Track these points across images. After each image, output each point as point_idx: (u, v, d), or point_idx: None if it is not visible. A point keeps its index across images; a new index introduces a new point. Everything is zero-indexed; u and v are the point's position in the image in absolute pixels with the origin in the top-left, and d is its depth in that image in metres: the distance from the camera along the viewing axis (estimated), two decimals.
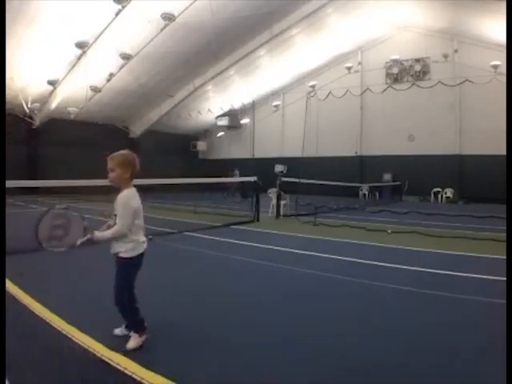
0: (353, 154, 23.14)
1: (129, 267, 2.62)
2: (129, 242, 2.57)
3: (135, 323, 2.64)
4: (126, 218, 2.51)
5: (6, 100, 16.31)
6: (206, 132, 29.67)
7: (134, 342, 2.57)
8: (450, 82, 18.95)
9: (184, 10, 14.13)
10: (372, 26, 20.38)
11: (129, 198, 2.56)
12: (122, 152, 2.63)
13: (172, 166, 23.85)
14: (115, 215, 2.54)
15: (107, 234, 2.53)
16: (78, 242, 2.51)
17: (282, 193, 11.33)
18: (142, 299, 3.72)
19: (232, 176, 23.65)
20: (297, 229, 8.64)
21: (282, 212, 11.06)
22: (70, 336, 2.69)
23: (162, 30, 14.90)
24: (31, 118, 19.69)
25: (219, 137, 28.62)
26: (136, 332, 2.62)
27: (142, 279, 4.49)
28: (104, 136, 23.17)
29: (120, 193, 2.57)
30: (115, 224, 2.54)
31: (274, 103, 25.29)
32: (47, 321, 2.97)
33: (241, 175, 22.10)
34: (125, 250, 2.57)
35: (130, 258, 2.59)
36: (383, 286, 4.11)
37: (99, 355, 2.42)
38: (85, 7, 12.89)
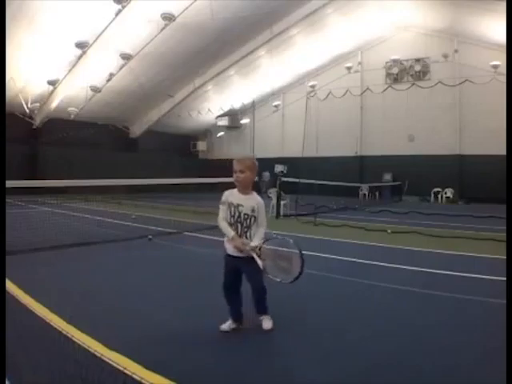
0: (353, 154, 23.14)
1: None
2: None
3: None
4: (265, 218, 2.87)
5: (6, 100, 16.31)
6: (206, 132, 29.67)
7: (271, 321, 2.94)
8: (449, 82, 18.95)
9: (184, 10, 14.14)
10: (372, 25, 20.38)
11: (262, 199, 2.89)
12: (249, 156, 2.92)
13: (172, 166, 23.86)
14: (246, 215, 2.78)
15: (259, 237, 2.78)
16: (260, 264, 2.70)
17: (282, 193, 11.32)
18: (143, 299, 3.73)
19: (260, 179, 23.28)
20: (297, 229, 8.64)
21: (282, 212, 11.06)
22: (70, 336, 2.69)
23: (162, 30, 14.91)
24: (31, 117, 19.68)
25: (219, 137, 28.62)
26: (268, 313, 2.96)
27: (142, 279, 4.51)
28: (104, 136, 23.22)
29: (248, 194, 2.84)
30: (247, 225, 2.82)
31: (274, 103, 25.28)
32: (47, 321, 2.97)
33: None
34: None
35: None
36: (383, 285, 4.11)
37: (99, 355, 2.42)
38: (85, 7, 12.90)
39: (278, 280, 2.64)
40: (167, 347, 2.65)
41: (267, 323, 2.90)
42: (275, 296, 3.90)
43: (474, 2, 15.28)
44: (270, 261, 2.69)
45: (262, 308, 2.95)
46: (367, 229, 8.44)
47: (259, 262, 2.68)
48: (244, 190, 2.83)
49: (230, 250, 2.84)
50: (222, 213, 2.86)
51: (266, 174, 20.52)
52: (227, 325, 2.91)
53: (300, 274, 2.53)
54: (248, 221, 2.80)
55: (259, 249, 2.69)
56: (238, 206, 2.79)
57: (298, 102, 24.34)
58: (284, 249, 2.67)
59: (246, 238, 2.79)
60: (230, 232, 2.77)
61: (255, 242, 2.74)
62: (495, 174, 16.45)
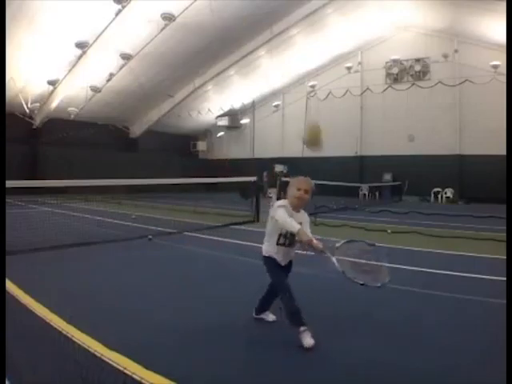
0: (353, 154, 23.13)
1: None
2: None
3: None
4: None
5: (6, 100, 16.31)
6: (206, 132, 29.67)
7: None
8: (449, 82, 18.97)
9: (184, 10, 14.14)
10: (372, 25, 20.37)
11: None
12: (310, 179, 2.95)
13: (172, 166, 23.87)
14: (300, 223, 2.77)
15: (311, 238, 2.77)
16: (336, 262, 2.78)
17: (282, 193, 11.32)
18: (143, 299, 3.73)
19: (262, 178, 23.21)
20: None
21: None
22: (70, 336, 2.69)
23: (162, 30, 14.92)
24: (31, 117, 19.69)
25: (219, 137, 28.62)
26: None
27: (142, 279, 4.51)
28: (104, 136, 23.22)
29: (299, 213, 2.88)
30: (293, 242, 2.88)
31: (274, 103, 25.28)
32: (47, 321, 2.97)
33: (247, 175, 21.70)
34: None
35: None
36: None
37: (99, 355, 2.42)
38: (85, 7, 12.90)
39: (361, 283, 2.70)
40: (167, 347, 2.65)
41: (308, 340, 2.65)
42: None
43: (474, 1, 15.28)
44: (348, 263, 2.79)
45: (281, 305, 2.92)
46: (367, 229, 8.44)
47: (334, 260, 2.73)
48: (298, 209, 2.88)
49: (282, 261, 2.90)
50: (285, 212, 2.78)
51: (265, 174, 20.55)
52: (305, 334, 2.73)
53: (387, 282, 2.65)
54: (294, 237, 2.81)
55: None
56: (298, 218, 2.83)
57: (297, 102, 24.37)
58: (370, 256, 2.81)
59: (292, 247, 2.91)
60: (296, 226, 2.68)
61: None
62: (495, 174, 16.45)
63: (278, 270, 2.87)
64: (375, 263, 2.74)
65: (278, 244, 2.86)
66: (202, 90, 22.62)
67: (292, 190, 2.85)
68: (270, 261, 2.89)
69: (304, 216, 2.91)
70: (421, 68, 21.14)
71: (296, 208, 2.85)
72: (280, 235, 2.85)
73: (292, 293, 2.75)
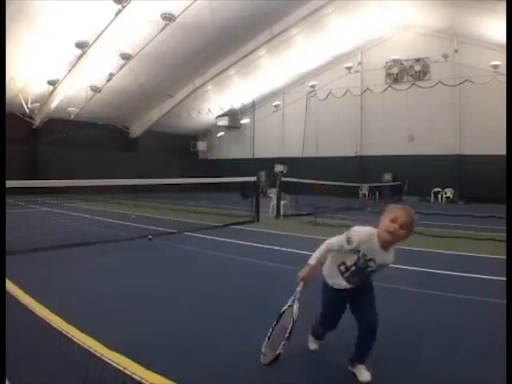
0: (353, 154, 23.14)
1: None
2: None
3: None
4: None
5: (6, 100, 16.31)
6: (206, 132, 29.68)
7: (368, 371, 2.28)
8: (450, 82, 18.98)
9: (184, 10, 14.14)
10: (372, 25, 20.38)
11: None
12: (415, 216, 2.21)
13: (172, 166, 23.86)
14: (372, 271, 2.27)
15: None
16: None
17: (282, 193, 11.32)
18: (143, 299, 3.73)
19: (259, 179, 23.27)
20: (297, 229, 8.64)
21: (282, 212, 11.06)
22: (70, 336, 2.69)
23: (162, 30, 14.91)
24: (31, 117, 19.69)
25: (219, 137, 28.63)
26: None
27: (142, 279, 4.51)
28: (104, 136, 23.22)
29: (388, 251, 2.22)
30: (363, 279, 2.32)
31: (274, 103, 25.29)
32: (47, 321, 2.97)
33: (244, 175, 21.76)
34: None
35: None
36: (383, 285, 4.10)
37: (99, 355, 2.42)
38: (85, 7, 12.89)
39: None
40: (167, 347, 2.65)
41: (365, 374, 2.24)
42: (275, 295, 3.90)
43: (474, 1, 15.28)
44: None
45: (366, 354, 2.29)
46: None
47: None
48: (388, 246, 2.21)
49: (341, 282, 2.32)
50: (335, 245, 2.27)
51: (262, 174, 20.53)
52: (313, 342, 2.63)
53: None
54: (368, 276, 2.33)
55: None
56: (370, 260, 2.22)
57: (298, 102, 24.39)
58: None
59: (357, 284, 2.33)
60: (316, 260, 2.28)
61: None
62: (495, 173, 16.45)
63: (331, 305, 2.46)
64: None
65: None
66: (202, 90, 22.62)
67: (385, 220, 2.18)
68: (328, 293, 2.44)
69: (387, 256, 2.22)
70: (421, 68, 21.14)
71: (383, 245, 2.17)
72: (342, 272, 2.31)
73: (324, 330, 2.53)
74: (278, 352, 2.07)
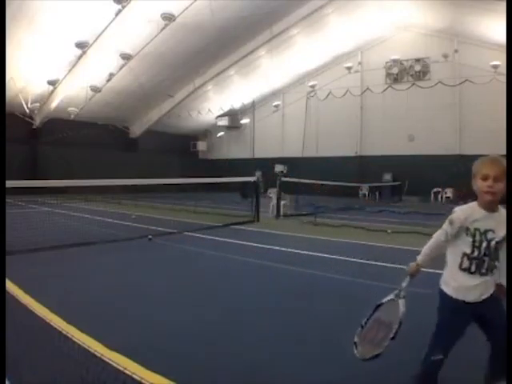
0: (353, 154, 23.14)
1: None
2: None
3: None
4: None
5: (6, 100, 16.31)
6: (206, 132, 29.68)
7: None
8: (450, 82, 18.97)
9: (184, 10, 14.14)
10: (372, 25, 20.38)
11: None
12: (501, 158, 1.96)
13: (172, 166, 23.86)
14: (498, 243, 1.89)
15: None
16: None
17: (282, 193, 11.33)
18: (143, 299, 3.73)
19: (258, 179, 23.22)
20: (297, 229, 8.64)
21: (282, 212, 11.06)
22: (70, 336, 2.69)
23: (162, 30, 14.91)
24: (31, 117, 19.69)
25: (219, 137, 28.63)
26: None
27: (142, 279, 4.51)
28: (104, 136, 23.22)
29: (497, 211, 1.91)
30: (496, 257, 1.92)
31: (274, 103, 25.30)
32: (47, 321, 2.97)
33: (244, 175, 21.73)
34: None
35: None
36: (383, 286, 4.11)
37: (99, 355, 2.42)
38: (85, 7, 12.89)
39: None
40: (167, 347, 2.65)
41: None
42: (275, 296, 3.89)
43: (474, 1, 15.28)
44: None
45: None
46: (367, 229, 8.44)
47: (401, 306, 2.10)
48: (494, 207, 1.91)
49: (471, 293, 1.95)
50: (441, 234, 2.08)
51: (258, 174, 20.54)
52: None
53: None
54: (497, 252, 1.91)
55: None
56: (486, 232, 1.89)
57: (298, 102, 24.38)
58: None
59: (490, 275, 1.94)
60: (423, 257, 2.19)
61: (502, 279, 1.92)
62: None
63: (452, 324, 2.10)
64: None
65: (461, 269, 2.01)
66: (202, 90, 22.62)
67: (478, 183, 1.97)
68: (450, 309, 2.10)
69: (502, 219, 1.89)
70: (421, 68, 21.14)
71: (489, 207, 1.90)
72: (470, 261, 1.96)
73: (445, 355, 2.07)
74: (379, 351, 1.93)
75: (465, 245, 1.94)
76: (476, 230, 1.89)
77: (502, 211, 1.91)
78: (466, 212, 1.95)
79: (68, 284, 4.15)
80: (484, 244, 1.89)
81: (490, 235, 1.88)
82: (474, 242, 1.91)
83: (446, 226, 2.01)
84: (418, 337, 2.89)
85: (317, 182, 13.88)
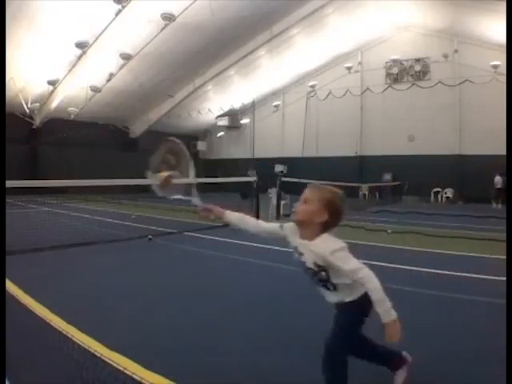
0: (353, 154, 23.14)
1: None
2: None
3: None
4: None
5: (6, 100, 16.31)
6: (206, 132, 29.67)
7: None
8: (450, 82, 18.98)
9: (184, 10, 14.15)
10: (372, 25, 20.39)
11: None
12: (328, 187, 2.05)
13: None
14: (310, 270, 1.95)
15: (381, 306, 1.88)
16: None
17: (282, 193, 11.32)
18: (143, 299, 3.73)
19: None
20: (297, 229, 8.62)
21: (282, 212, 11.05)
22: (70, 336, 2.69)
23: (162, 30, 14.92)
24: (31, 117, 19.69)
25: (219, 137, 28.63)
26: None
27: (142, 279, 4.51)
28: (104, 136, 23.22)
29: (311, 239, 1.90)
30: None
31: (274, 103, 25.30)
32: (47, 321, 2.97)
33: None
34: None
35: None
36: (383, 286, 4.11)
37: (99, 355, 2.41)
38: (85, 7, 12.90)
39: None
40: (167, 347, 2.65)
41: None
42: (275, 295, 3.90)
43: (474, 1, 15.29)
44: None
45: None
46: (367, 229, 8.44)
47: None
48: (303, 230, 1.95)
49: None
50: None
51: (252, 173, 20.50)
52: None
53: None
54: (318, 278, 1.94)
55: None
56: (300, 254, 1.98)
57: (298, 102, 24.39)
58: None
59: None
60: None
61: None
62: (495, 174, 16.48)
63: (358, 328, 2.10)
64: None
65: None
66: (202, 90, 22.62)
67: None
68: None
69: (319, 248, 1.85)
70: (421, 68, 21.15)
71: (300, 227, 1.97)
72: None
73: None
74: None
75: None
76: (294, 246, 2.02)
77: (320, 240, 1.88)
78: (291, 225, 2.05)
79: (68, 284, 4.15)
80: (302, 265, 2.00)
81: (302, 257, 1.99)
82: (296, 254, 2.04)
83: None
84: (416, 338, 2.89)
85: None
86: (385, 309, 1.78)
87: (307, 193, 1.97)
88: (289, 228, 2.06)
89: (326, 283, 1.94)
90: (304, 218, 1.91)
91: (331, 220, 1.89)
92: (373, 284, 1.81)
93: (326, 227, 1.89)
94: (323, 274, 1.91)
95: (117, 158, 22.21)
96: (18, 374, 2.20)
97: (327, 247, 1.83)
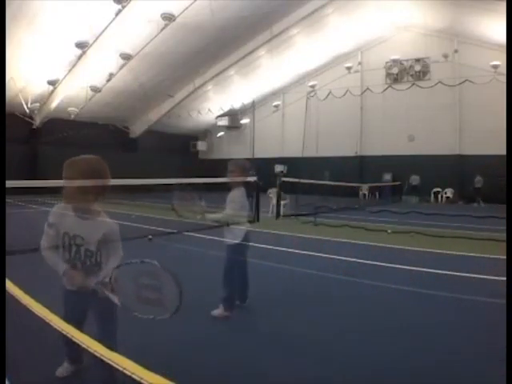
0: (353, 154, 23.13)
1: None
2: None
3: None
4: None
5: (6, 100, 16.31)
6: (206, 132, 29.67)
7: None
8: (450, 82, 18.96)
9: (184, 10, 14.13)
10: (372, 25, 20.38)
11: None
12: (84, 158, 2.20)
13: (172, 165, 23.83)
14: (90, 252, 2.15)
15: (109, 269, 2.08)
16: None
17: (282, 193, 11.32)
18: None
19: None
20: (297, 229, 8.64)
21: (282, 212, 11.06)
22: (69, 336, 2.69)
23: (162, 30, 14.90)
24: (31, 118, 19.68)
25: (219, 137, 28.62)
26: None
27: None
28: (104, 136, 23.21)
29: (90, 216, 2.17)
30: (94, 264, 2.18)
31: (274, 103, 25.29)
32: (47, 321, 2.97)
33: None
34: None
35: None
36: (383, 286, 4.11)
37: (99, 355, 2.41)
38: (85, 7, 12.89)
39: (151, 317, 1.74)
40: (167, 347, 2.65)
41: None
42: (275, 295, 3.91)
43: (474, 1, 15.28)
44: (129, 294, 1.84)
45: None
46: (367, 229, 8.44)
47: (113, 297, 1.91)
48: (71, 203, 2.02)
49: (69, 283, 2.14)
50: (47, 239, 2.21)
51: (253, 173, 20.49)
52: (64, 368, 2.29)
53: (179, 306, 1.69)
54: (93, 259, 2.07)
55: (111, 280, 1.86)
56: (75, 237, 2.08)
57: (298, 102, 24.36)
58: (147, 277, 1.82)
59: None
60: (61, 266, 2.21)
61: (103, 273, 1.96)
62: (495, 173, 16.45)
63: (66, 311, 2.33)
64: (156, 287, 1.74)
65: None
66: (202, 90, 22.61)
67: None
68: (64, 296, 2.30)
69: (96, 227, 2.02)
70: (421, 68, 21.14)
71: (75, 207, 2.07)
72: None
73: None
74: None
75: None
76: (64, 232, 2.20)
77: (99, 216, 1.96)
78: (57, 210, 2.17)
79: None
80: (73, 248, 2.17)
81: (78, 240, 2.19)
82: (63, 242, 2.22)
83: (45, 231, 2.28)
84: (415, 337, 2.89)
85: (317, 182, 13.85)
86: None
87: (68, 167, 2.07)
88: (55, 212, 2.19)
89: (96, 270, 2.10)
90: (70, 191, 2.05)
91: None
92: None
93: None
94: (99, 257, 2.12)
95: (117, 158, 22.14)
96: (17, 374, 2.20)
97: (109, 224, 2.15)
